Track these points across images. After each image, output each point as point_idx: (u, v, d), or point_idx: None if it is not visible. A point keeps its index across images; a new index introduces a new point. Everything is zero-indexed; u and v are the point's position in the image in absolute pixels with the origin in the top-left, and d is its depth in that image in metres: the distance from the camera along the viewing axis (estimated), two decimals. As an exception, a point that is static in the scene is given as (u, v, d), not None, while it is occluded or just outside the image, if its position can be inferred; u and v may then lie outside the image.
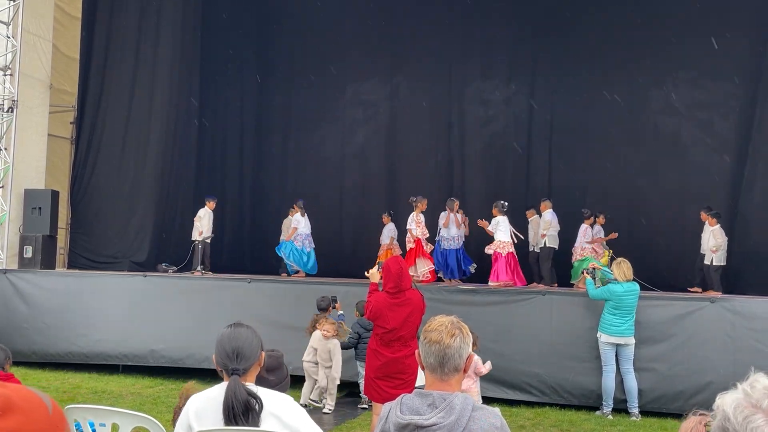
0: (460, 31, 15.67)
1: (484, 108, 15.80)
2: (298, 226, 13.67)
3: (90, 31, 14.81)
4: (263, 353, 3.30)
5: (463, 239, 12.92)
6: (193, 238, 13.80)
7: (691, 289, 11.85)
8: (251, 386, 3.12)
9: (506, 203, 12.28)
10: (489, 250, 12.08)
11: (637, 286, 9.25)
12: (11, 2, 13.09)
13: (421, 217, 12.61)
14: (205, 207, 13.93)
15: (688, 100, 14.43)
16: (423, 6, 15.66)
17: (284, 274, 13.49)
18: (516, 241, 12.21)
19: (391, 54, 16.16)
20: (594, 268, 9.96)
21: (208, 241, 13.70)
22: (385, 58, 16.29)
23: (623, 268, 9.15)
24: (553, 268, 12.84)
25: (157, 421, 3.70)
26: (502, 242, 11.94)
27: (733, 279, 12.63)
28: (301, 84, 16.75)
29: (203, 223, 13.72)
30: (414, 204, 12.68)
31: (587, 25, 14.88)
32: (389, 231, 13.96)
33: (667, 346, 9.38)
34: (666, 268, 13.42)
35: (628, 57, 14.58)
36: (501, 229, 12.02)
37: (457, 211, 13.03)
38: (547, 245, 12.82)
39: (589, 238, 12.63)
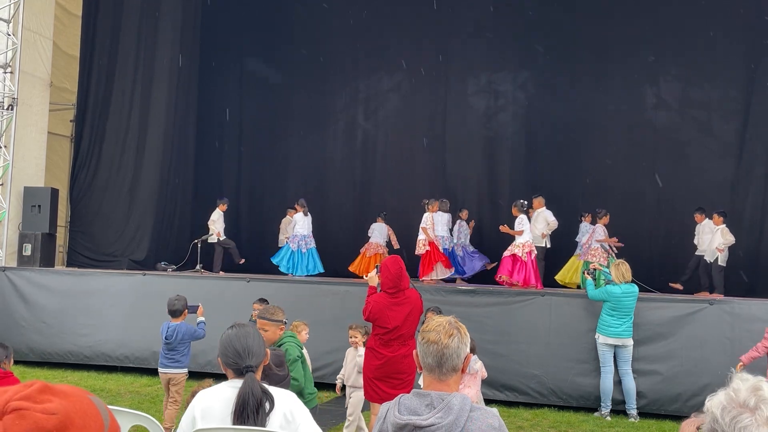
0: (459, 31, 15.69)
1: (482, 106, 15.82)
2: (296, 225, 13.59)
3: (90, 29, 14.84)
4: (268, 351, 3.36)
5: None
6: (211, 241, 13.81)
7: (698, 294, 11.77)
8: (263, 384, 3.15)
9: (525, 202, 12.08)
10: (519, 252, 11.61)
11: (636, 288, 9.25)
12: (11, 0, 13.09)
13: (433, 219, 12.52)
14: (217, 209, 13.90)
15: (689, 100, 14.45)
16: (424, 4, 15.66)
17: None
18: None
19: (391, 52, 16.15)
20: (595, 269, 9.96)
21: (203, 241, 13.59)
22: (384, 57, 16.29)
23: (621, 270, 9.15)
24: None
25: (155, 420, 3.70)
26: (524, 243, 11.56)
27: (732, 281, 12.61)
28: (300, 83, 16.75)
29: (218, 226, 13.75)
30: (426, 206, 12.54)
31: (589, 23, 14.87)
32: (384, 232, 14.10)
33: (665, 347, 9.39)
34: (666, 269, 13.41)
35: (628, 56, 14.58)
36: (525, 229, 11.60)
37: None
38: (547, 245, 12.78)
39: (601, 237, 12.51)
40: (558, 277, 12.91)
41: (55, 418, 1.22)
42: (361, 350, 7.48)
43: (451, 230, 13.49)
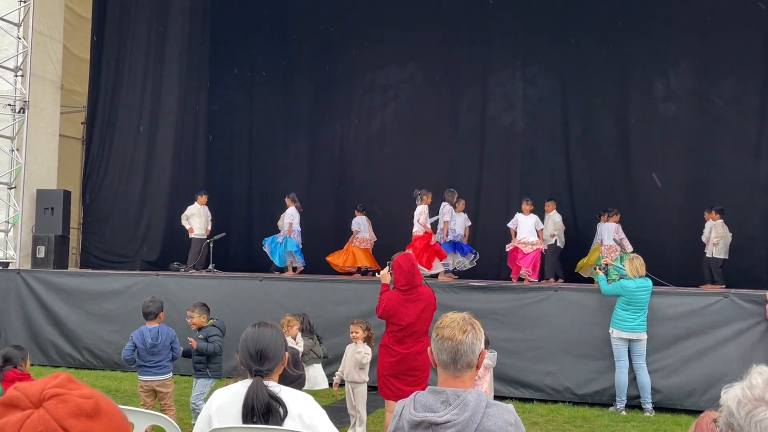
0: (466, 27, 15.63)
1: (489, 102, 15.76)
2: (293, 221, 13.14)
3: (100, 31, 14.92)
4: (287, 353, 3.30)
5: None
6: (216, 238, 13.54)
7: (703, 286, 11.85)
8: (275, 387, 3.12)
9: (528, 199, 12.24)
10: (509, 247, 11.97)
11: (650, 282, 9.21)
12: (22, 3, 13.15)
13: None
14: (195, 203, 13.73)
15: (701, 95, 14.32)
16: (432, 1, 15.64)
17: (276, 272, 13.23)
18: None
19: (400, 49, 16.08)
20: (606, 264, 9.93)
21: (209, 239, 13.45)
22: (395, 56, 16.24)
23: (635, 265, 9.12)
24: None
25: (171, 419, 3.71)
26: (521, 241, 11.88)
27: (744, 274, 12.55)
28: (309, 81, 16.77)
29: (202, 221, 13.57)
30: (419, 197, 12.26)
31: (598, 18, 14.78)
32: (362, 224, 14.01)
33: (680, 341, 9.34)
34: (679, 263, 13.35)
35: (643, 51, 14.46)
36: (519, 226, 11.96)
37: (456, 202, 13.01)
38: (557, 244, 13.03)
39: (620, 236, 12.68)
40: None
41: (92, 401, 1.33)
42: (361, 346, 7.51)
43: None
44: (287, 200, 13.34)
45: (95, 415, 1.32)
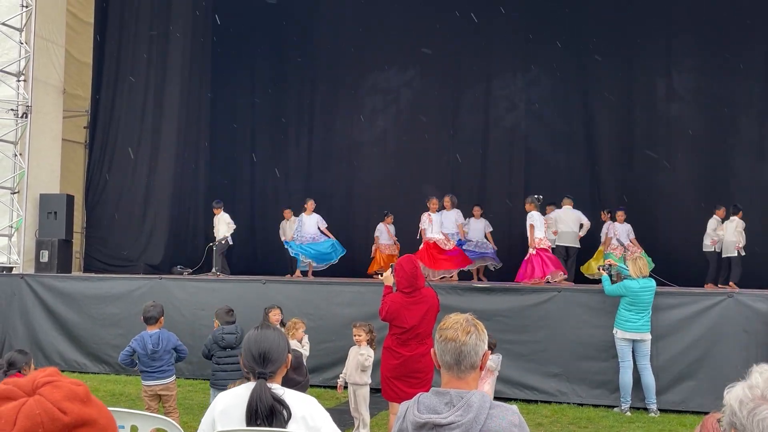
0: (469, 26, 15.62)
1: (492, 102, 15.75)
2: (297, 225, 13.36)
3: (102, 35, 14.94)
4: (290, 355, 3.30)
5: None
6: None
7: (721, 286, 11.82)
8: (278, 389, 3.12)
9: (540, 197, 11.95)
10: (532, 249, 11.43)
11: (654, 283, 9.20)
12: (23, 8, 13.18)
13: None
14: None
15: (707, 95, 14.29)
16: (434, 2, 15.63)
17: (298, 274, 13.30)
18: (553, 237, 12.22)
19: (403, 49, 16.10)
20: (610, 265, 9.91)
21: (223, 242, 13.53)
22: (397, 58, 16.25)
23: (639, 265, 9.11)
24: None
25: (175, 423, 3.71)
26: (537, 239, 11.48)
27: (748, 273, 12.52)
28: (311, 83, 16.77)
29: (219, 229, 13.69)
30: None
31: (602, 15, 14.76)
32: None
33: (684, 341, 9.33)
34: (683, 263, 13.32)
35: (648, 51, 14.45)
36: (537, 226, 11.40)
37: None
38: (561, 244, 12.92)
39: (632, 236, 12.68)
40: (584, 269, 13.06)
41: (83, 388, 1.41)
42: (364, 348, 7.51)
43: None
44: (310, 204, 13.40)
45: (87, 400, 1.39)
